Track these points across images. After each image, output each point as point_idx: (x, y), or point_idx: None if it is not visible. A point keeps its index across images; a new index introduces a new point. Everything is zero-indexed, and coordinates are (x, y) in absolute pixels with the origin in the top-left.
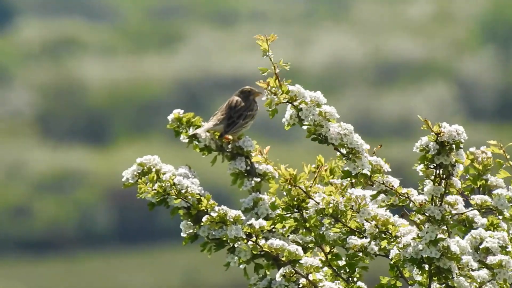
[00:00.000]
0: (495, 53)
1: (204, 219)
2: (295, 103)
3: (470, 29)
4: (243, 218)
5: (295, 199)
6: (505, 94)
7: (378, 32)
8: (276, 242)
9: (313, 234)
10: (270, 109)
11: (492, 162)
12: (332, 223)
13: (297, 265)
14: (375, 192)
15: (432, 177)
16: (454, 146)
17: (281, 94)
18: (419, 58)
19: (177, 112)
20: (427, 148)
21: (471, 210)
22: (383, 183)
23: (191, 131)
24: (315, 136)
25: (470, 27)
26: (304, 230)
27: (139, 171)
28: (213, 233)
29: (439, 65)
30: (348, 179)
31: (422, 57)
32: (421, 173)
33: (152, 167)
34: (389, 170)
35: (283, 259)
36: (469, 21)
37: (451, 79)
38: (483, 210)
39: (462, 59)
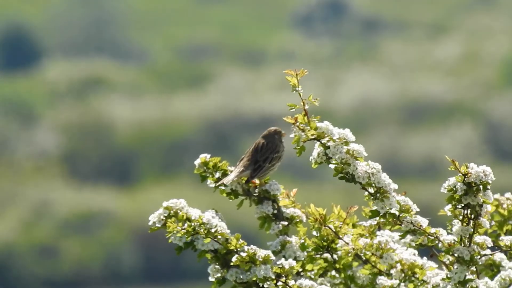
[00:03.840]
0: None
1: (234, 258)
2: (323, 141)
3: (497, 70)
4: (273, 258)
5: (325, 239)
6: None
7: (406, 72)
8: (305, 282)
9: (342, 275)
10: (298, 147)
11: None
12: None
13: None
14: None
15: (461, 218)
16: (481, 186)
17: (309, 131)
18: (446, 98)
19: (204, 156)
20: (454, 189)
21: (499, 251)
22: (412, 223)
23: (217, 175)
24: (342, 175)
25: (498, 68)
26: (334, 271)
27: (166, 215)
28: (241, 276)
29: (467, 105)
30: (376, 219)
31: (449, 98)
32: (449, 213)
33: (178, 210)
34: (418, 210)
35: None
36: (496, 62)
37: (479, 120)
38: (511, 251)
39: (489, 100)
